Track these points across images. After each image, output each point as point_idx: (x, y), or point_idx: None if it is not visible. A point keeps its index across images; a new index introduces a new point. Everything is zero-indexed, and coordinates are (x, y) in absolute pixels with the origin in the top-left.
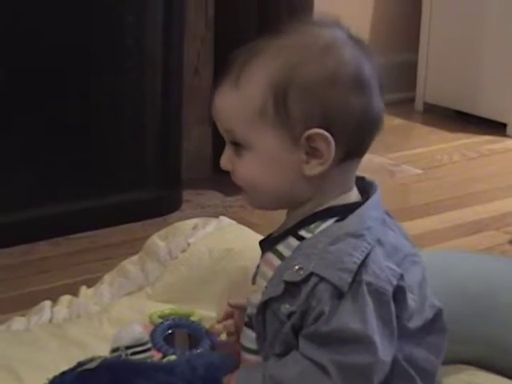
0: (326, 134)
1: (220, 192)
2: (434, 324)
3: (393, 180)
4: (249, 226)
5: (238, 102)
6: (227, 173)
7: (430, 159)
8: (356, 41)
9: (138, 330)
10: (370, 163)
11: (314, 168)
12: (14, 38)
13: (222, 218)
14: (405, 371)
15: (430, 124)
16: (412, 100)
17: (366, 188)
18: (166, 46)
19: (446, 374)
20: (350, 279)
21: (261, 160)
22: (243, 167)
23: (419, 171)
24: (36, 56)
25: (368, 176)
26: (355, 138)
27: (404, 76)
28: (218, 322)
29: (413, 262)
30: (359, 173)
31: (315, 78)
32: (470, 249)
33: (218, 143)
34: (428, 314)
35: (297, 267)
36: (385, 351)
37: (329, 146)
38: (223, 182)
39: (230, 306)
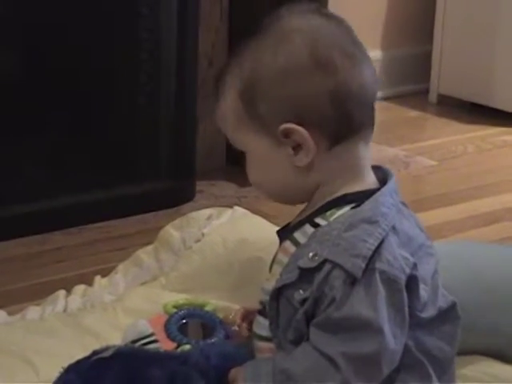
0: (294, 126)
1: (234, 183)
2: (448, 313)
3: (407, 171)
4: (263, 217)
5: (222, 112)
6: (241, 163)
7: (444, 151)
8: (320, 14)
9: (141, 324)
10: (385, 155)
11: (301, 160)
12: (29, 36)
13: (236, 208)
14: (416, 359)
15: (444, 116)
16: (426, 92)
17: (383, 176)
18: (180, 37)
19: (461, 365)
20: (363, 265)
21: (256, 161)
22: (248, 169)
23: (433, 163)
24: (50, 49)
25: (385, 165)
26: (337, 120)
27: (418, 68)
28: (238, 325)
29: (427, 253)
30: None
31: (270, 75)
32: (484, 239)
33: None
34: (441, 303)
35: (311, 254)
36: (395, 340)
37: (304, 136)
38: (237, 172)
39: (244, 315)
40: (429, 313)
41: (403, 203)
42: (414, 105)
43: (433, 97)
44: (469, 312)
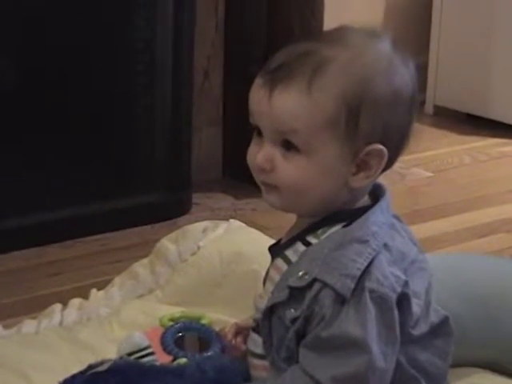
0: (385, 150)
1: (230, 195)
2: (440, 329)
3: (403, 183)
4: (259, 229)
5: (310, 107)
6: (237, 176)
7: (440, 162)
8: (400, 53)
9: (137, 336)
10: None
11: (359, 180)
12: (25, 39)
13: (232, 220)
14: (410, 375)
15: (440, 127)
16: (422, 103)
17: (375, 191)
18: (176, 49)
19: (456, 377)
20: (352, 285)
21: (315, 166)
22: (292, 170)
23: (429, 174)
24: (48, 60)
25: (378, 179)
26: (399, 152)
27: None
28: (230, 340)
29: (420, 268)
30: None
31: (384, 95)
32: (480, 251)
33: (228, 146)
34: (433, 318)
35: (301, 273)
36: (385, 359)
37: (381, 162)
38: (233, 185)
39: (237, 331)
40: (421, 329)
41: (396, 217)
42: None
43: (429, 108)
44: (463, 324)
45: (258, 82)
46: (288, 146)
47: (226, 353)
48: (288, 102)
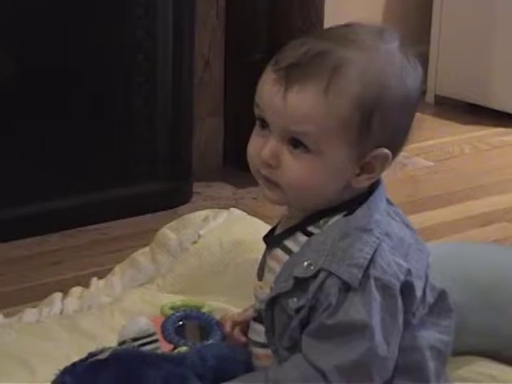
0: (390, 154)
1: (230, 184)
2: (439, 307)
3: (404, 172)
4: (259, 218)
5: (325, 109)
6: (238, 165)
7: (441, 151)
8: (409, 55)
9: (143, 322)
10: None
11: (361, 182)
12: (23, 36)
13: (232, 209)
14: (413, 360)
15: (441, 116)
16: (423, 92)
17: None
18: (176, 37)
19: (457, 366)
20: (360, 275)
21: (322, 166)
22: (298, 168)
23: (430, 163)
24: (48, 50)
25: None
26: (399, 151)
27: None
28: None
29: (417, 249)
30: None
31: (397, 101)
32: (481, 240)
33: (229, 135)
34: (429, 298)
35: (306, 263)
36: (387, 347)
37: (385, 165)
38: (234, 174)
39: (234, 324)
40: (420, 313)
41: (388, 201)
42: None
43: (430, 97)
44: (463, 313)
45: (271, 76)
46: (296, 143)
47: (227, 341)
48: (304, 103)
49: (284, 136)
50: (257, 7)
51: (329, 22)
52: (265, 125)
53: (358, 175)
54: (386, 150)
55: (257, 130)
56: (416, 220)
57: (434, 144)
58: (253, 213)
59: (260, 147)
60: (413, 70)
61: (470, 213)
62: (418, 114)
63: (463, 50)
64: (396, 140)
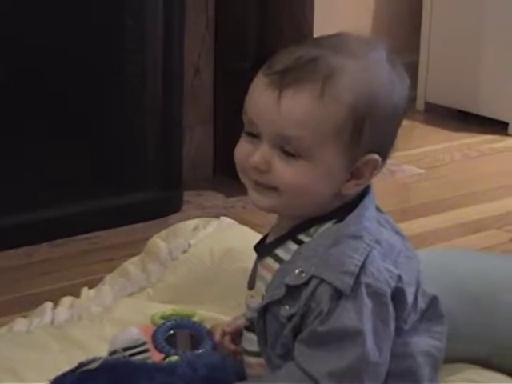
0: (380, 161)
1: (221, 193)
2: (430, 314)
3: (394, 180)
4: (249, 227)
5: (319, 115)
6: (228, 174)
7: (431, 159)
8: (396, 64)
9: (134, 332)
10: None
11: (350, 188)
12: (16, 40)
13: (222, 218)
14: (404, 366)
15: (431, 123)
16: (413, 99)
17: None
18: (166, 46)
19: (448, 373)
20: (351, 282)
21: (314, 171)
22: (290, 172)
23: (421, 171)
24: (39, 60)
25: None
26: (387, 159)
27: None
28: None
29: (407, 257)
30: None
31: (386, 109)
32: (471, 248)
33: (219, 144)
34: (421, 304)
35: (297, 271)
36: (379, 353)
37: (373, 171)
38: (224, 183)
39: (224, 333)
40: (412, 320)
41: (378, 208)
42: None
43: (420, 105)
44: (454, 320)
45: (263, 80)
46: (286, 151)
47: (217, 350)
48: (298, 108)
49: (275, 143)
50: (246, 15)
51: (318, 31)
52: (252, 131)
53: (348, 181)
54: (377, 156)
55: (245, 136)
56: (406, 227)
57: (425, 151)
58: (243, 221)
59: (248, 153)
60: (400, 79)
61: (460, 220)
62: (408, 122)
63: (452, 57)
64: (384, 146)
